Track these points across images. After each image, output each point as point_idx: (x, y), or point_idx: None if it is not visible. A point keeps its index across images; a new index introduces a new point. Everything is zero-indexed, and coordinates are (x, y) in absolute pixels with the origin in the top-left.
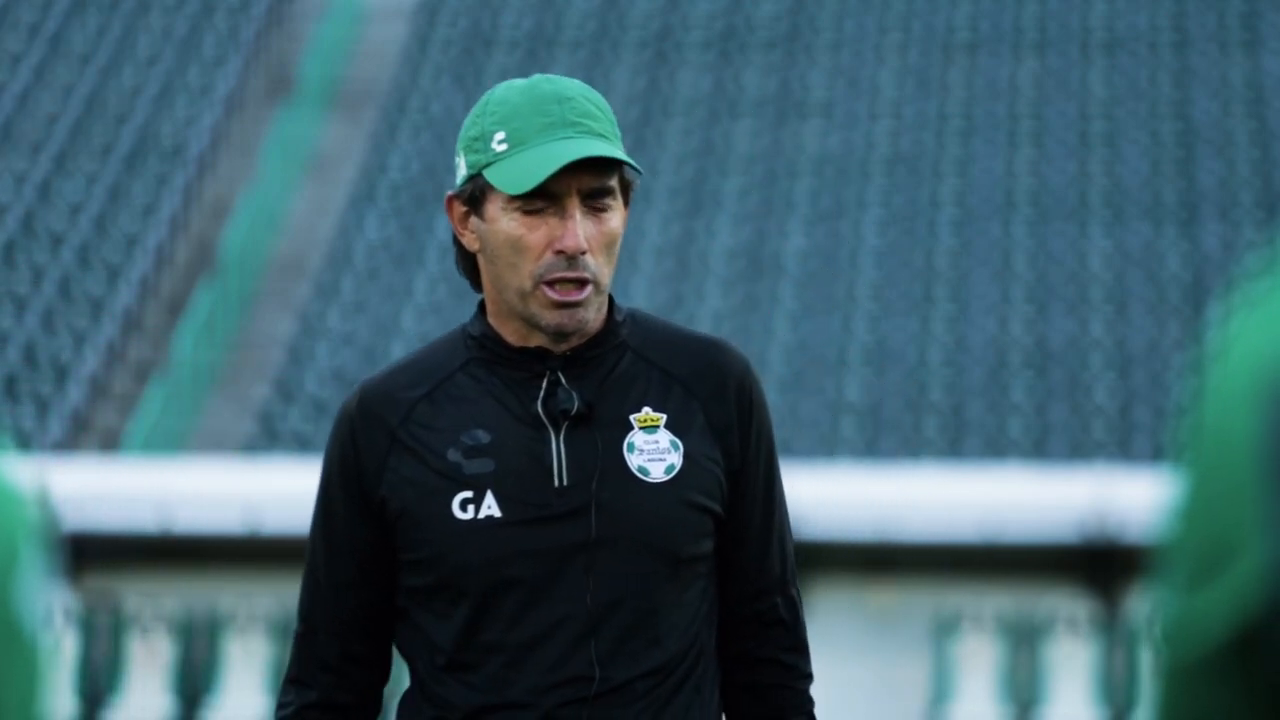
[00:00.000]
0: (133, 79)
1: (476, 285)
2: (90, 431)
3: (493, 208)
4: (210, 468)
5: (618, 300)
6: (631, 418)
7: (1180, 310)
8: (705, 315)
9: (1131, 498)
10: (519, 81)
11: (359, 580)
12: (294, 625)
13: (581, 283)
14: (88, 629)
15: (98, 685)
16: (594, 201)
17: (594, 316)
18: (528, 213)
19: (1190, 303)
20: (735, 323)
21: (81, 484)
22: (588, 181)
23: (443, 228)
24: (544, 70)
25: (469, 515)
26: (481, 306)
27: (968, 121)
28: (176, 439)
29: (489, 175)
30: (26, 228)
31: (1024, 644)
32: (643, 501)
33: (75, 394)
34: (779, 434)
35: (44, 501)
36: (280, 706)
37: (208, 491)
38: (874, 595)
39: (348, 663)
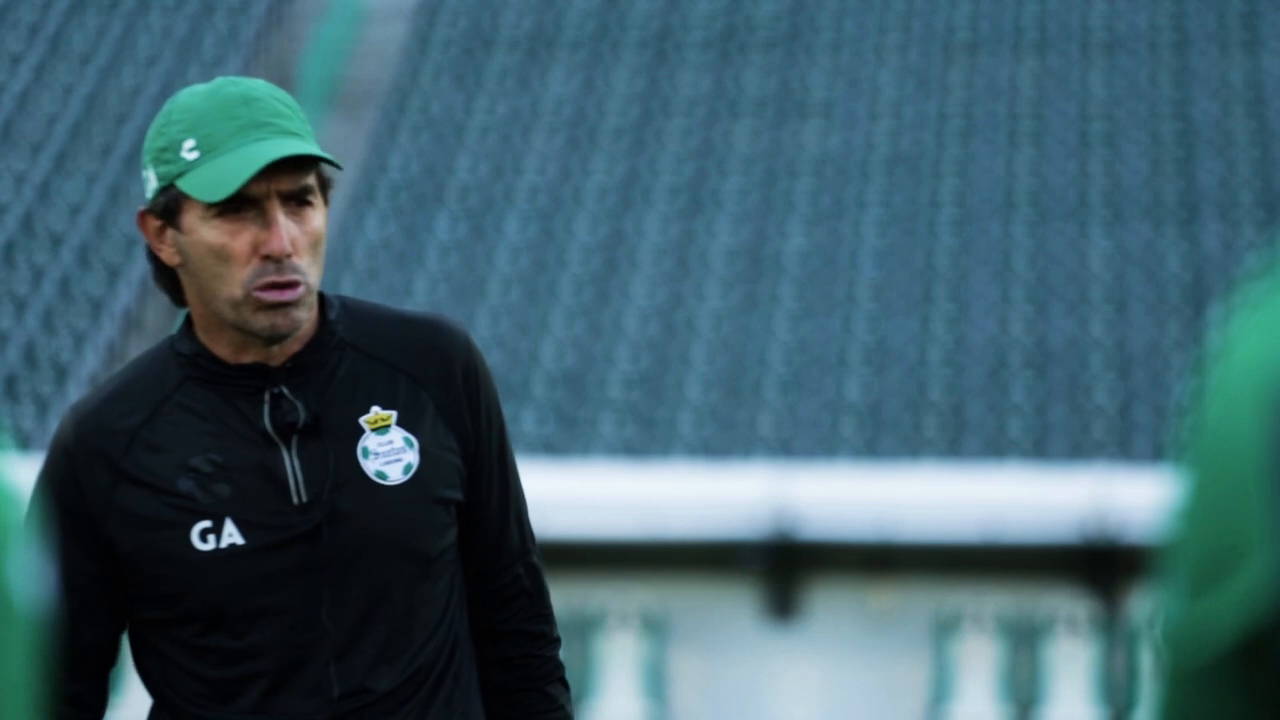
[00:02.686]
0: (133, 79)
1: (177, 300)
2: None
3: (190, 218)
4: None
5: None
6: (361, 420)
7: (1180, 310)
8: (705, 315)
9: (1131, 498)
10: (201, 86)
11: (85, 619)
12: None
13: (293, 284)
14: None
15: None
16: (295, 202)
17: (307, 316)
18: (228, 219)
19: (1190, 303)
20: (735, 323)
21: None
22: (286, 183)
23: (443, 228)
24: (544, 71)
25: (210, 546)
26: (188, 321)
27: (968, 121)
28: None
29: (183, 185)
30: (26, 228)
31: (1024, 644)
32: (386, 507)
33: (75, 394)
34: (779, 434)
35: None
36: None
37: None
38: (874, 595)
39: (66, 705)
